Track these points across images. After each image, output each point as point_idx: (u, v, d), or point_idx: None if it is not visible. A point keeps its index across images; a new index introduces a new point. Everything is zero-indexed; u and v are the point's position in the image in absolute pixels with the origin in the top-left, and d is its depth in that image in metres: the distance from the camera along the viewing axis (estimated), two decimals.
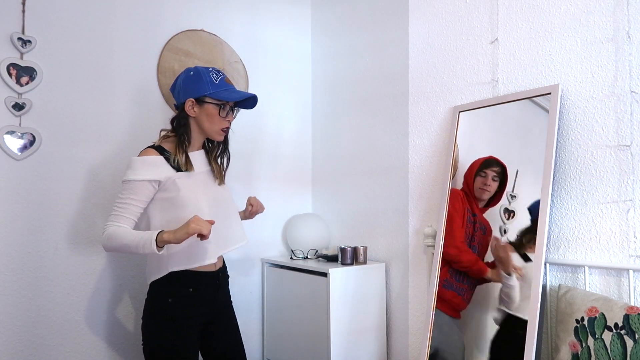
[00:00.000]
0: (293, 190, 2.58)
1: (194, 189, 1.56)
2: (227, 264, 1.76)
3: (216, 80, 1.59)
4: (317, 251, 2.33)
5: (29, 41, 1.77)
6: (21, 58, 1.76)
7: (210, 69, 1.62)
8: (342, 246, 2.10)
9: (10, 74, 1.72)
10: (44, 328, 1.78)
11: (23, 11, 1.76)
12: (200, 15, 2.24)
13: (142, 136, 2.04)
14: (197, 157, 1.65)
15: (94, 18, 1.93)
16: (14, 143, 1.73)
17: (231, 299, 1.78)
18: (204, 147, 1.70)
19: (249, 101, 1.68)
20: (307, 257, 2.33)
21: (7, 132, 1.71)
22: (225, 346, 1.70)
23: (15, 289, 1.73)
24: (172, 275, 1.55)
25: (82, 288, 1.87)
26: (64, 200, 1.84)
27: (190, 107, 1.58)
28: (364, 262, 2.11)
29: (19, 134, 1.74)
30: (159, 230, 1.43)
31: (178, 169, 1.55)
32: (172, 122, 1.64)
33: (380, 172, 2.24)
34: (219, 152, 1.72)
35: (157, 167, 1.51)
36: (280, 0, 2.57)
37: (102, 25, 1.95)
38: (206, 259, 1.56)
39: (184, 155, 1.57)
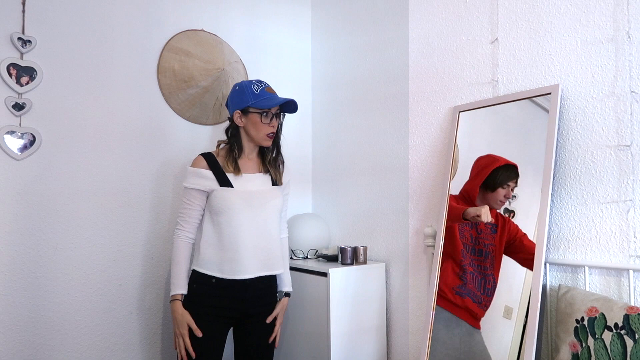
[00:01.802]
0: (293, 190, 2.58)
1: (235, 206, 1.68)
2: None
3: (257, 91, 1.72)
4: (317, 251, 2.33)
5: (29, 41, 1.77)
6: (21, 58, 1.76)
7: (254, 81, 1.77)
8: (342, 246, 2.10)
9: (10, 74, 1.72)
10: (44, 328, 1.78)
11: (23, 11, 1.76)
12: (200, 15, 2.24)
13: (142, 136, 2.04)
14: (251, 171, 1.77)
15: (94, 18, 1.93)
16: (14, 143, 1.73)
17: (274, 305, 1.82)
18: (260, 156, 1.83)
19: (292, 106, 1.78)
20: (307, 257, 2.33)
21: (7, 132, 1.72)
22: (254, 346, 1.76)
23: (15, 289, 1.73)
24: (200, 265, 1.68)
25: (82, 288, 1.87)
26: (64, 200, 1.84)
27: (237, 118, 1.74)
28: (364, 262, 2.11)
29: (19, 134, 1.74)
30: (181, 294, 1.67)
31: (222, 182, 1.69)
32: (226, 132, 1.81)
33: (380, 172, 2.24)
34: (274, 155, 1.83)
35: (203, 179, 1.69)
36: (280, 0, 2.57)
37: (102, 25, 1.95)
38: (240, 275, 1.68)
39: (233, 161, 1.73)
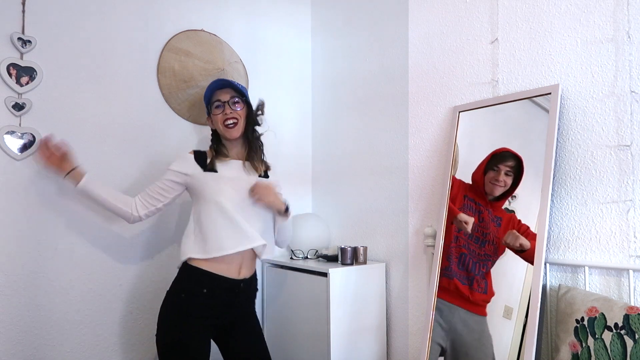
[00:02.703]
0: (293, 191, 2.58)
1: (219, 186, 1.67)
2: None
3: (207, 90, 1.78)
4: (317, 251, 2.33)
5: (29, 41, 1.77)
6: (21, 58, 1.76)
7: (211, 83, 1.79)
8: (342, 246, 2.10)
9: (10, 74, 1.72)
10: (44, 328, 1.78)
11: (23, 11, 1.76)
12: (200, 15, 2.24)
13: (142, 136, 2.04)
14: (232, 164, 1.76)
15: (94, 18, 1.93)
16: (14, 143, 1.73)
17: (254, 308, 1.81)
18: (248, 157, 1.80)
19: (236, 88, 1.76)
20: (307, 257, 2.33)
21: (7, 132, 1.72)
22: (248, 353, 1.72)
23: (15, 289, 1.73)
24: (191, 272, 1.62)
25: (82, 288, 1.87)
26: (64, 200, 1.84)
27: (208, 121, 1.83)
28: (364, 262, 2.11)
29: (19, 134, 1.74)
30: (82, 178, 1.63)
31: (205, 168, 1.70)
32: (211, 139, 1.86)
33: (380, 172, 2.24)
34: (253, 147, 1.81)
35: (186, 163, 1.71)
36: (280, 0, 2.57)
37: (102, 25, 1.95)
38: (223, 250, 1.62)
39: (212, 159, 1.74)
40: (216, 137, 1.81)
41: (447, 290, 1.74)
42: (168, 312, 1.60)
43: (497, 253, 1.63)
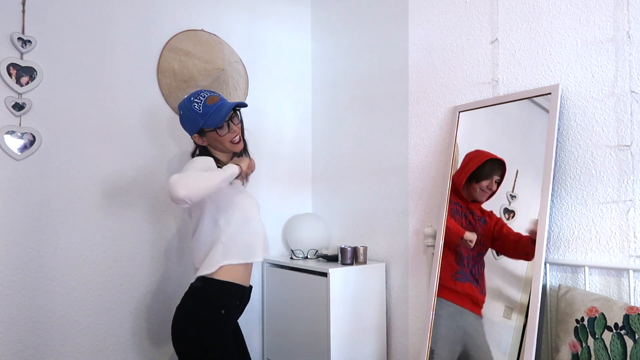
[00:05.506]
0: (293, 190, 2.58)
1: (242, 194, 1.69)
2: None
3: (200, 109, 1.63)
4: (317, 251, 2.33)
5: (29, 41, 1.77)
6: (21, 58, 1.76)
7: (192, 99, 1.66)
8: (342, 246, 2.10)
9: (10, 74, 1.72)
10: (44, 328, 1.78)
11: (23, 11, 1.77)
12: (200, 15, 2.24)
13: (142, 136, 2.04)
14: None
15: (94, 18, 1.93)
16: (14, 143, 1.73)
17: None
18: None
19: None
20: (307, 257, 2.33)
21: (7, 132, 1.72)
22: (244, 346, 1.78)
23: (15, 289, 1.73)
24: (223, 287, 1.59)
25: (82, 288, 1.87)
26: (64, 200, 1.84)
27: (198, 139, 1.70)
28: (364, 262, 2.11)
29: (19, 134, 1.74)
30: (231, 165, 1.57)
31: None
32: (192, 155, 1.75)
33: (380, 172, 2.24)
34: (240, 154, 1.81)
35: (211, 167, 1.60)
36: (280, 0, 2.57)
37: (102, 25, 1.95)
38: (256, 256, 1.66)
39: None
40: (207, 152, 1.71)
41: (456, 292, 1.74)
42: (205, 329, 1.53)
43: (486, 248, 1.68)
